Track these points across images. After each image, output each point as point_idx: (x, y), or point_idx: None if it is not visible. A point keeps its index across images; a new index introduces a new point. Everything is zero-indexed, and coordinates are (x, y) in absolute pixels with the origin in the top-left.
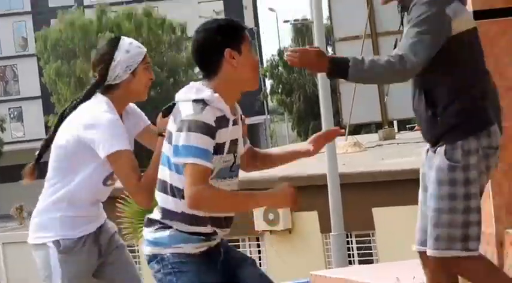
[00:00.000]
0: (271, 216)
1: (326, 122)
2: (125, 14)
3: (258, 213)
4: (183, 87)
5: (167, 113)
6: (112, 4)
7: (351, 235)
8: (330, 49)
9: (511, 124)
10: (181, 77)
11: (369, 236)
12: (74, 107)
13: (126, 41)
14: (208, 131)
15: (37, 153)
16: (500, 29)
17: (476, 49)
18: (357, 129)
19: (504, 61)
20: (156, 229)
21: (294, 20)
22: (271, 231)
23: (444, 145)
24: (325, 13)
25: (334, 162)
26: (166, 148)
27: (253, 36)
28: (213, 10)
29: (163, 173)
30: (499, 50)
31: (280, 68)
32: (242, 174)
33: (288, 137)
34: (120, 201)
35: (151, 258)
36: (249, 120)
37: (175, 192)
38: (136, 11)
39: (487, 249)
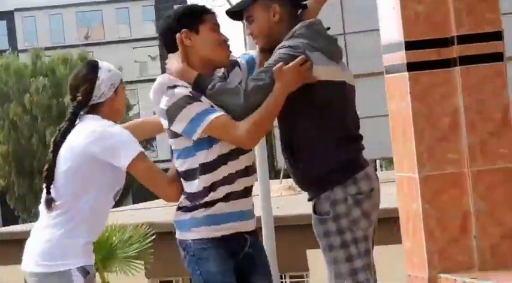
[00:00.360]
0: None
1: (260, 164)
2: (60, 59)
3: None
4: (121, 126)
5: None
6: (47, 49)
7: (285, 276)
8: None
9: (440, 173)
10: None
11: (303, 277)
12: (64, 134)
13: (103, 62)
14: (193, 98)
15: (45, 186)
16: (433, 80)
17: (340, 98)
18: None
19: (437, 111)
20: (179, 212)
21: None
22: None
23: (313, 200)
24: None
25: (268, 205)
26: (171, 144)
27: None
28: (148, 55)
29: (176, 165)
30: (433, 100)
31: None
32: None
33: None
34: None
35: (179, 244)
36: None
37: (190, 175)
38: (72, 56)
39: None
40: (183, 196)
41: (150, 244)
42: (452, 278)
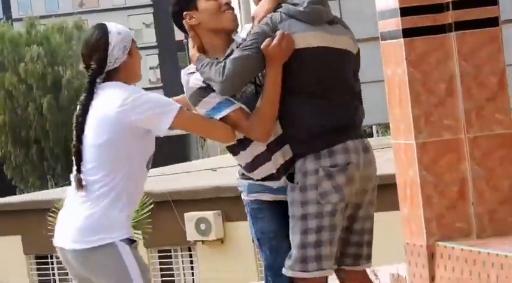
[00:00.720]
0: (202, 226)
1: None
2: (55, 27)
3: (189, 223)
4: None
5: None
6: (41, 17)
7: None
8: None
9: (436, 139)
10: None
11: None
12: (86, 107)
13: (112, 24)
14: (206, 90)
15: (75, 164)
16: (429, 46)
17: (320, 65)
18: None
19: (433, 78)
20: (240, 178)
21: None
22: (203, 241)
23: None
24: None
25: None
26: None
27: (184, 48)
28: (143, 23)
29: None
30: (428, 66)
31: None
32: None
33: (219, 147)
34: (51, 214)
35: (244, 203)
36: (180, 131)
37: (235, 149)
38: (67, 25)
39: (417, 261)
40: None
41: (148, 214)
42: (450, 246)
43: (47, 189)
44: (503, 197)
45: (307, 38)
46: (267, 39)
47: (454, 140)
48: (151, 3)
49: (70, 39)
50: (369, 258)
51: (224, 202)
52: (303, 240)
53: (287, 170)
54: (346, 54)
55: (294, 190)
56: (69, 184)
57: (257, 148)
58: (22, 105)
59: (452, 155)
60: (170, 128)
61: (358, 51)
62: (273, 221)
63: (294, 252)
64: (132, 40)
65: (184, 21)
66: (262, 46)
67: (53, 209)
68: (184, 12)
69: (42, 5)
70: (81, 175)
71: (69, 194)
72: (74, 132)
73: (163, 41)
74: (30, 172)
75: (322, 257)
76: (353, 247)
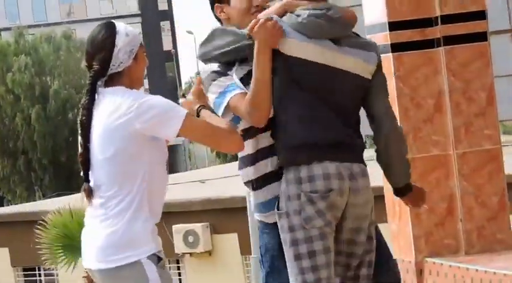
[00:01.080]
0: (190, 239)
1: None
2: (44, 37)
3: (177, 235)
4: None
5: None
6: (30, 27)
7: None
8: None
9: (425, 155)
10: None
11: None
12: (89, 112)
13: (121, 24)
14: (219, 73)
15: (83, 174)
16: (417, 61)
17: (310, 80)
18: None
19: (421, 93)
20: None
21: None
22: (191, 253)
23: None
24: None
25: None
26: None
27: (172, 58)
28: None
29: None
30: (417, 81)
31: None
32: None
33: (207, 159)
34: (38, 226)
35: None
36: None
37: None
38: (55, 34)
39: (406, 277)
40: None
41: None
42: (438, 262)
43: (34, 200)
44: (492, 213)
45: (301, 47)
46: (253, 21)
47: (442, 156)
48: (139, 13)
49: (58, 49)
50: (369, 278)
51: (212, 214)
52: (298, 266)
53: None
54: (346, 75)
55: (280, 217)
56: (57, 195)
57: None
58: (10, 115)
59: (440, 171)
60: (179, 134)
61: (378, 76)
62: (278, 238)
63: (293, 279)
64: (140, 44)
65: (216, 12)
66: (248, 27)
67: (40, 221)
68: (216, 4)
69: (30, 15)
70: (92, 188)
71: (87, 211)
72: (80, 140)
73: (151, 50)
74: (18, 183)
75: (322, 280)
76: (351, 271)
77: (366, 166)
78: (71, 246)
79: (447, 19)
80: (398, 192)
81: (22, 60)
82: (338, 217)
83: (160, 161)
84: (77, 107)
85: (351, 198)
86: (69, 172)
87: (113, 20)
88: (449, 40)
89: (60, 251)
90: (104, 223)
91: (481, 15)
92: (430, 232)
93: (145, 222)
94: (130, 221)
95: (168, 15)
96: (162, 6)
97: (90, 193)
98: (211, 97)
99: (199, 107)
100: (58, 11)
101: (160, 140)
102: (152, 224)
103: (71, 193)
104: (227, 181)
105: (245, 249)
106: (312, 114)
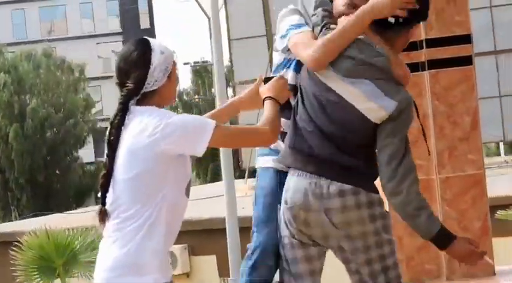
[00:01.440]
0: None
1: (225, 164)
2: (23, 55)
3: None
4: (81, 129)
5: (267, 82)
6: (9, 45)
7: None
8: (230, 91)
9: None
10: (78, 118)
11: None
12: (118, 132)
13: (156, 42)
14: (293, 11)
15: (100, 196)
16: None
17: (299, 102)
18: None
19: None
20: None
21: (194, 62)
22: None
23: None
24: (225, 54)
25: (233, 205)
26: None
27: None
28: (112, 51)
29: None
30: None
31: (179, 109)
32: None
33: None
34: (13, 248)
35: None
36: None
37: None
38: (36, 52)
39: None
40: None
41: None
42: None
43: (11, 220)
44: (474, 238)
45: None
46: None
47: (425, 180)
48: (120, 31)
49: (38, 66)
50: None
51: (191, 236)
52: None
53: None
54: (342, 104)
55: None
56: (34, 215)
57: None
58: None
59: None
60: (210, 146)
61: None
62: (275, 180)
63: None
64: (174, 62)
65: None
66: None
67: (16, 242)
68: None
69: (10, 32)
70: (108, 210)
71: (104, 235)
72: (106, 161)
73: None
74: None
75: None
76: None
77: (363, 189)
78: (47, 267)
79: (432, 43)
80: (435, 244)
81: (1, 78)
82: (315, 234)
83: (182, 182)
84: (58, 125)
85: (335, 217)
86: (47, 191)
87: (146, 37)
88: (434, 64)
89: (35, 273)
90: (115, 244)
91: (466, 39)
92: (411, 256)
93: (158, 243)
94: (141, 241)
95: (150, 33)
96: (144, 24)
97: (104, 217)
98: (282, 29)
99: (268, 98)
100: (39, 29)
101: (186, 156)
102: (165, 247)
103: (47, 214)
104: (207, 202)
105: (223, 271)
106: (302, 126)
